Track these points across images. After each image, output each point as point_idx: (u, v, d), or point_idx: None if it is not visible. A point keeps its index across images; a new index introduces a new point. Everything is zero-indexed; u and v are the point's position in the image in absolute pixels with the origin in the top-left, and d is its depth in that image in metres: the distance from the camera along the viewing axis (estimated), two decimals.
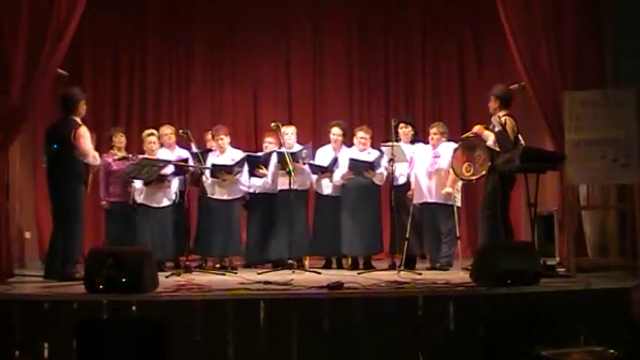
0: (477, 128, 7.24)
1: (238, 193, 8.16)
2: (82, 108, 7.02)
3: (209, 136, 8.53)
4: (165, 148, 8.31)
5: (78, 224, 6.89)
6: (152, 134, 8.10)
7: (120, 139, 8.39)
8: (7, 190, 7.17)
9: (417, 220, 7.82)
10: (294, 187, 7.66)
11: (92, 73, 10.08)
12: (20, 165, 8.31)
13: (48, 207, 7.15)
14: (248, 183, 8.17)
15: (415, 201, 7.83)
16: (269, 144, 8.27)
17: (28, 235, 8.68)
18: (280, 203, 8.05)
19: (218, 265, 8.18)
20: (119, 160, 8.05)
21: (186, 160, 8.06)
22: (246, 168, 8.08)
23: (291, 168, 7.59)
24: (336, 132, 8.28)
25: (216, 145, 8.24)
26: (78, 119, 6.95)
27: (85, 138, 6.87)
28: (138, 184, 7.86)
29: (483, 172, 7.12)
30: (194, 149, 8.23)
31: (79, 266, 6.81)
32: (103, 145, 8.76)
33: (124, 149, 8.41)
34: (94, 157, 6.96)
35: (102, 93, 10.06)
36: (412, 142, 8.17)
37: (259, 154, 8.32)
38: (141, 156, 7.91)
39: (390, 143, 7.68)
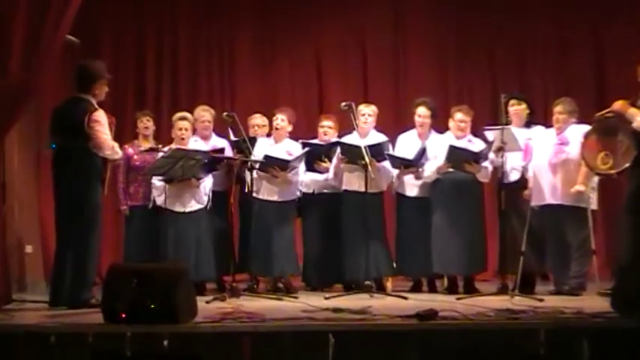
0: (618, 105, 7.06)
1: (292, 194, 8.20)
2: (102, 89, 7.02)
3: (253, 122, 8.53)
4: (199, 137, 8.34)
5: (94, 236, 6.88)
6: (184, 118, 8.11)
7: (146, 125, 8.42)
8: (2, 192, 7.26)
9: (535, 229, 7.72)
10: (370, 188, 7.72)
11: (112, 45, 10.26)
12: (19, 160, 8.42)
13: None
14: (304, 184, 8.28)
15: (534, 203, 7.73)
16: (328, 129, 8.33)
17: (29, 248, 8.76)
18: (349, 207, 8.07)
19: (274, 288, 8.20)
20: (145, 152, 8.09)
21: (222, 151, 8.09)
22: (302, 167, 8.17)
23: (368, 160, 7.55)
24: (422, 112, 8.20)
25: (274, 128, 8.27)
26: (92, 100, 6.94)
27: (102, 125, 6.84)
28: (158, 182, 7.88)
29: (627, 164, 6.99)
30: (232, 137, 8.24)
31: (96, 289, 6.83)
32: (124, 133, 8.85)
33: (152, 139, 8.46)
34: (112, 149, 6.90)
35: (124, 70, 10.23)
36: (528, 124, 8.05)
37: (315, 140, 8.35)
38: (173, 146, 7.91)
39: (497, 127, 7.58)
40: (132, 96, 10.18)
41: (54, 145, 6.88)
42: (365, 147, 7.60)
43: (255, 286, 8.15)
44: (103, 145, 6.82)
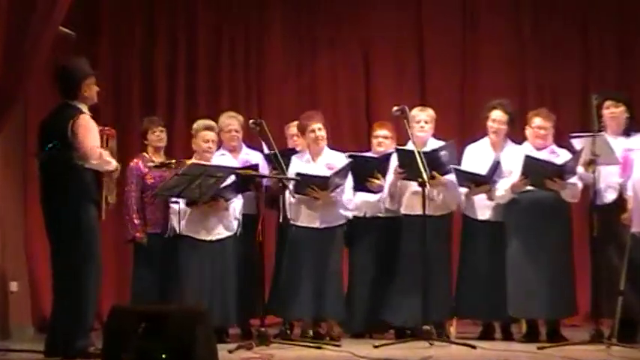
0: None
1: (338, 218, 8.13)
2: (90, 89, 7.04)
3: (291, 130, 8.54)
4: (226, 151, 8.35)
5: (91, 269, 6.85)
6: (210, 128, 8.09)
7: (158, 137, 8.42)
8: None
9: (637, 261, 7.57)
10: (429, 210, 7.62)
11: (114, 39, 10.32)
12: (3, 181, 8.49)
13: (45, 241, 7.14)
14: (352, 204, 8.21)
15: (635, 229, 7.58)
16: (383, 139, 8.32)
17: (14, 286, 8.76)
18: (409, 235, 8.01)
19: (311, 333, 8.14)
20: (156, 167, 8.08)
21: (256, 168, 8.06)
22: (350, 181, 8.11)
23: (425, 177, 7.47)
24: (497, 117, 8.15)
25: (306, 142, 8.21)
26: (82, 106, 6.97)
27: (88, 130, 6.82)
28: (176, 205, 7.88)
29: None
30: (266, 150, 8.24)
31: (95, 335, 6.84)
32: (131, 146, 8.91)
33: (164, 152, 8.48)
34: (100, 157, 6.85)
35: (128, 69, 10.33)
36: (627, 131, 7.96)
37: (369, 154, 8.34)
38: (189, 161, 7.89)
39: (588, 134, 7.52)
40: (138, 101, 10.25)
41: (52, 144, 6.86)
42: (420, 152, 7.54)
43: (289, 332, 8.17)
44: (88, 152, 6.79)
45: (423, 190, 7.53)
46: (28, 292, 8.97)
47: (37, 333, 8.42)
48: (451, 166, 7.96)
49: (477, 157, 8.14)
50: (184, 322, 5.57)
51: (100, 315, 7.78)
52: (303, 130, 8.24)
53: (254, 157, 8.36)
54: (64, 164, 6.80)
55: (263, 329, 7.44)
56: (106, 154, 6.94)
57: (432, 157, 7.72)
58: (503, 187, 7.95)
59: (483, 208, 8.12)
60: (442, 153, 7.87)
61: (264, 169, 8.18)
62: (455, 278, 8.21)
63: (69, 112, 6.88)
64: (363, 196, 8.24)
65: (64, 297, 6.81)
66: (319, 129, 8.13)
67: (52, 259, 6.96)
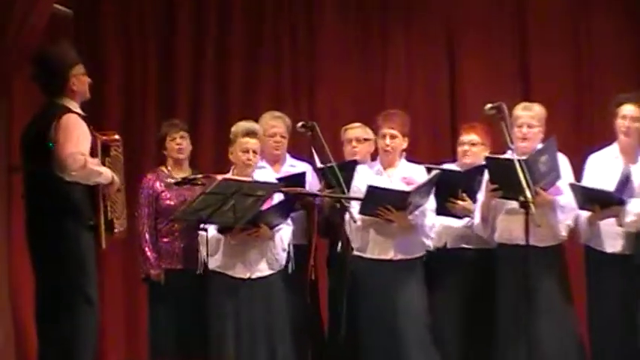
0: None
1: (417, 248, 8.04)
2: (79, 82, 7.04)
3: (349, 134, 8.49)
4: (265, 162, 8.44)
5: (82, 311, 6.83)
6: (253, 134, 7.96)
7: (180, 145, 8.41)
8: None
9: None
10: (534, 239, 7.48)
11: (121, 20, 10.38)
12: None
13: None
14: (435, 228, 8.11)
15: None
16: (469, 147, 8.27)
17: None
18: (507, 271, 7.88)
19: None
20: (178, 184, 8.06)
21: (302, 178, 8.13)
22: (432, 202, 8.01)
23: (529, 195, 7.28)
24: (630, 112, 7.94)
25: (381, 149, 8.12)
26: (70, 103, 6.98)
27: (70, 132, 6.78)
28: (210, 231, 7.75)
29: None
30: (318, 162, 8.13)
31: None
32: (145, 157, 9.09)
33: (189, 164, 8.49)
34: (84, 166, 6.70)
35: (142, 57, 10.40)
36: None
37: (451, 166, 8.33)
38: (220, 176, 7.76)
39: None
40: (154, 102, 10.28)
41: (51, 144, 6.82)
42: (520, 161, 7.35)
43: None
44: (67, 160, 6.66)
45: (527, 213, 7.34)
46: (12, 348, 8.87)
47: None
48: (552, 179, 7.76)
49: (604, 170, 7.95)
50: None
51: None
52: (376, 131, 8.21)
53: (297, 168, 8.38)
54: (50, 179, 6.77)
55: None
56: (95, 163, 6.82)
57: (530, 166, 7.50)
58: (634, 211, 7.72)
59: (613, 238, 7.89)
60: (542, 158, 7.67)
61: (314, 182, 8.17)
62: (577, 328, 8.02)
63: (53, 113, 6.84)
64: (442, 221, 8.11)
65: (48, 347, 6.78)
66: (392, 136, 8.03)
67: (35, 298, 6.94)
